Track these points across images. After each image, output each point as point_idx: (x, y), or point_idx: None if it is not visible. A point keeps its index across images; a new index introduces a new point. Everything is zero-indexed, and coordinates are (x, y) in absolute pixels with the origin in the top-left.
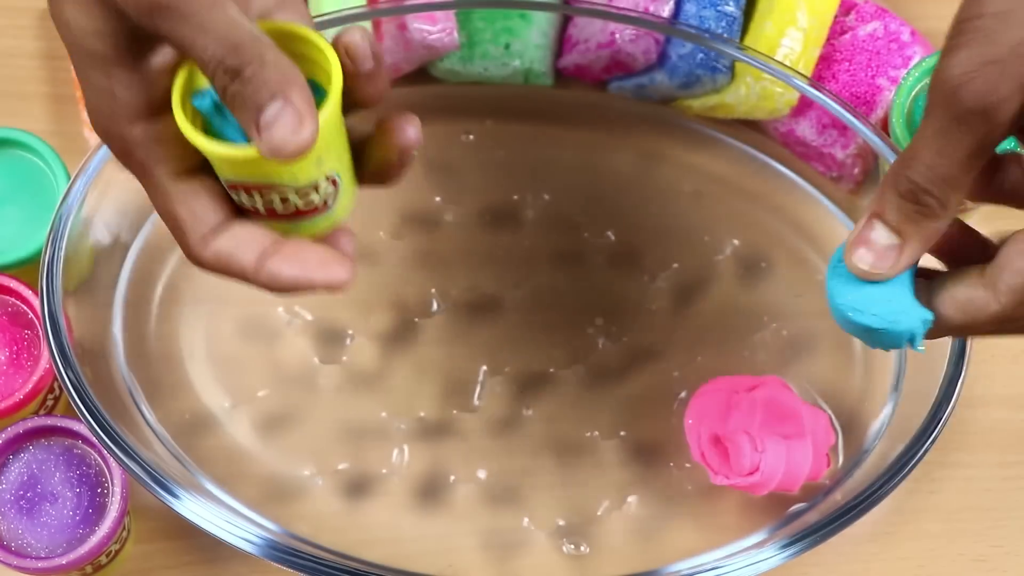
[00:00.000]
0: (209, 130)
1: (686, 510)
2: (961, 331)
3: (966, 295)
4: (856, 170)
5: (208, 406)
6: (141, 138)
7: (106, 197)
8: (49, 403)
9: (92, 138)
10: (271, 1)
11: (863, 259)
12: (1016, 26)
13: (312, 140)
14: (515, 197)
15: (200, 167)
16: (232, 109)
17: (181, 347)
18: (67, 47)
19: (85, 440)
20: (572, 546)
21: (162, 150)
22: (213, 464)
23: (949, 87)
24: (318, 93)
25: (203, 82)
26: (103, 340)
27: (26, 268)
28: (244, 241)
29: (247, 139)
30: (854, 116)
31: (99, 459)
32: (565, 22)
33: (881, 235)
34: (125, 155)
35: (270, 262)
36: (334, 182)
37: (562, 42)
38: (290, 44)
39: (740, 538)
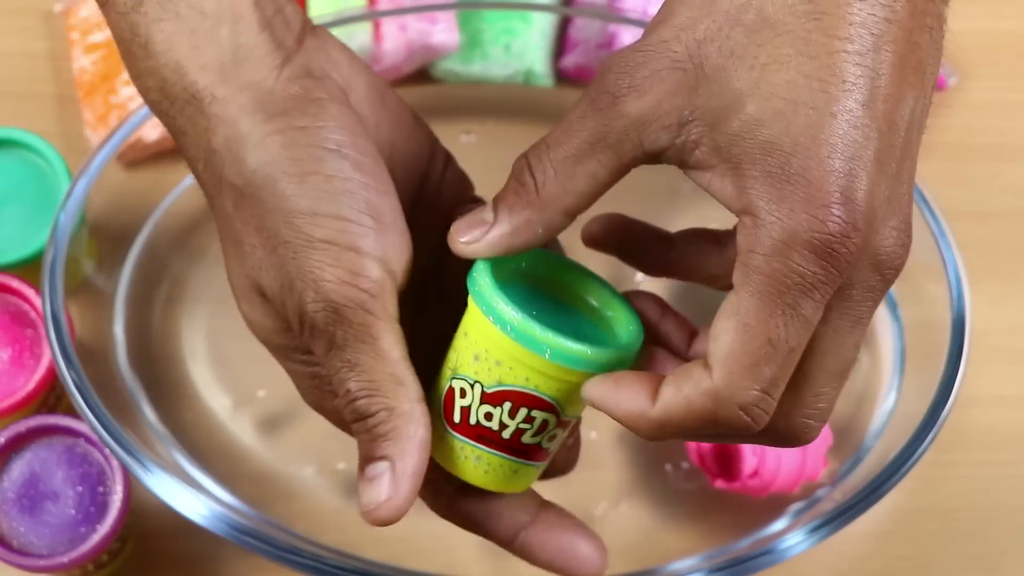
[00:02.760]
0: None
1: (684, 510)
2: (668, 423)
3: (685, 381)
4: None
5: (209, 405)
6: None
7: (108, 197)
8: (51, 402)
9: (94, 138)
10: (368, 105)
11: (459, 229)
12: (667, 26)
13: (397, 517)
14: None
15: None
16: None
17: (182, 346)
18: (256, 337)
19: (87, 439)
20: None
21: None
22: (214, 463)
23: (597, 72)
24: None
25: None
26: (105, 339)
27: (28, 267)
28: (502, 508)
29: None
30: None
31: (101, 458)
32: (565, 23)
33: (485, 212)
34: (343, 424)
35: (526, 533)
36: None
37: (562, 42)
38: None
39: (739, 538)
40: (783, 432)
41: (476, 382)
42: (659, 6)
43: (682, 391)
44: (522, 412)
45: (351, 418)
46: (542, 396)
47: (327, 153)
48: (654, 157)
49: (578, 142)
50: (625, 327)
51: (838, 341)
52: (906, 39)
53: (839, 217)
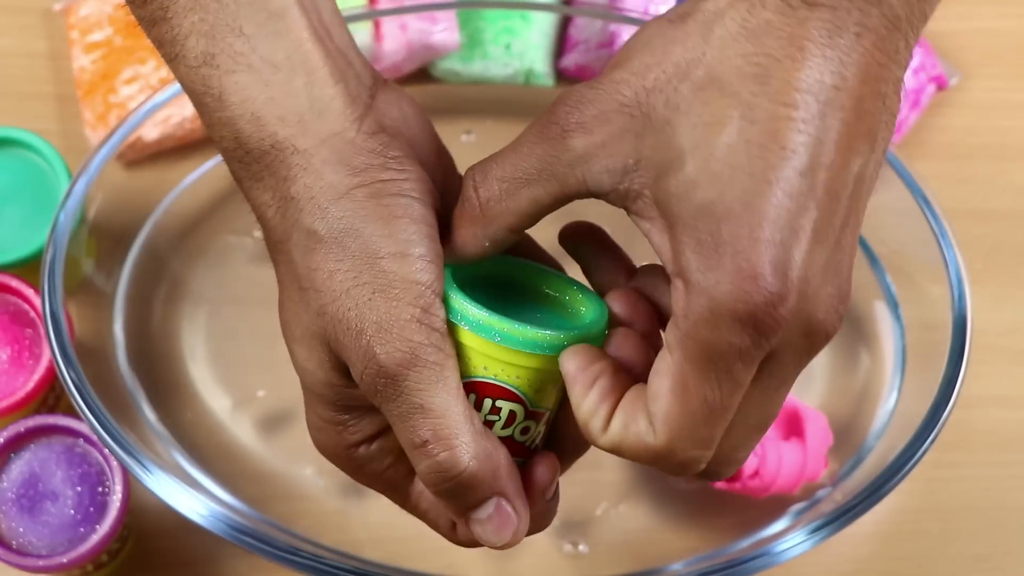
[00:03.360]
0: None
1: (684, 510)
2: (615, 451)
3: (633, 424)
4: None
5: (209, 405)
6: (365, 457)
7: (107, 197)
8: (50, 402)
9: (93, 137)
10: (429, 160)
11: None
12: (623, 68)
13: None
14: None
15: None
16: (435, 492)
17: (182, 346)
18: (301, 379)
19: (86, 439)
20: (571, 546)
21: (389, 458)
22: (214, 463)
23: (553, 102)
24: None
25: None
26: (104, 339)
27: (28, 267)
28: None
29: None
30: None
31: (100, 458)
32: (565, 22)
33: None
34: (354, 471)
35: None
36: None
37: (562, 42)
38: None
39: (739, 538)
40: (707, 472)
41: None
42: (660, 5)
43: (628, 433)
44: (487, 403)
45: (436, 471)
46: (503, 385)
47: (412, 201)
48: (598, 195)
49: (525, 166)
50: (589, 312)
51: (764, 399)
52: (855, 107)
53: (766, 289)
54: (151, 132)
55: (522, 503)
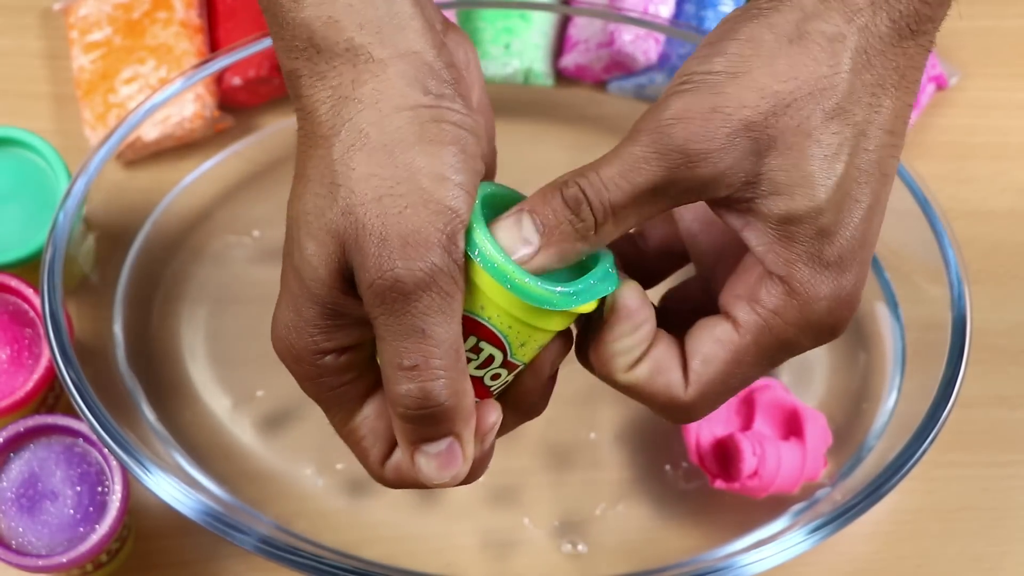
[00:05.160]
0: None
1: (684, 510)
2: (628, 391)
3: (662, 376)
4: None
5: (208, 405)
6: (329, 367)
7: (107, 196)
8: (50, 402)
9: (93, 137)
10: (479, 109)
11: (503, 241)
12: (748, 88)
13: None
14: None
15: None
16: (400, 415)
17: (182, 346)
18: (295, 274)
19: (86, 438)
20: (570, 546)
21: (351, 375)
22: (213, 463)
23: (664, 120)
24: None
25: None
26: (104, 339)
27: (27, 267)
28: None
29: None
30: None
31: (100, 457)
32: (565, 22)
33: (527, 230)
34: (310, 378)
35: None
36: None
37: (562, 42)
38: None
39: (737, 538)
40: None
41: None
42: (659, 5)
43: (655, 381)
44: (471, 340)
45: (415, 396)
46: (493, 329)
47: (468, 135)
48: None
49: (642, 188)
50: (598, 269)
51: (769, 369)
52: (905, 114)
53: (848, 317)
54: (150, 132)
55: (471, 449)
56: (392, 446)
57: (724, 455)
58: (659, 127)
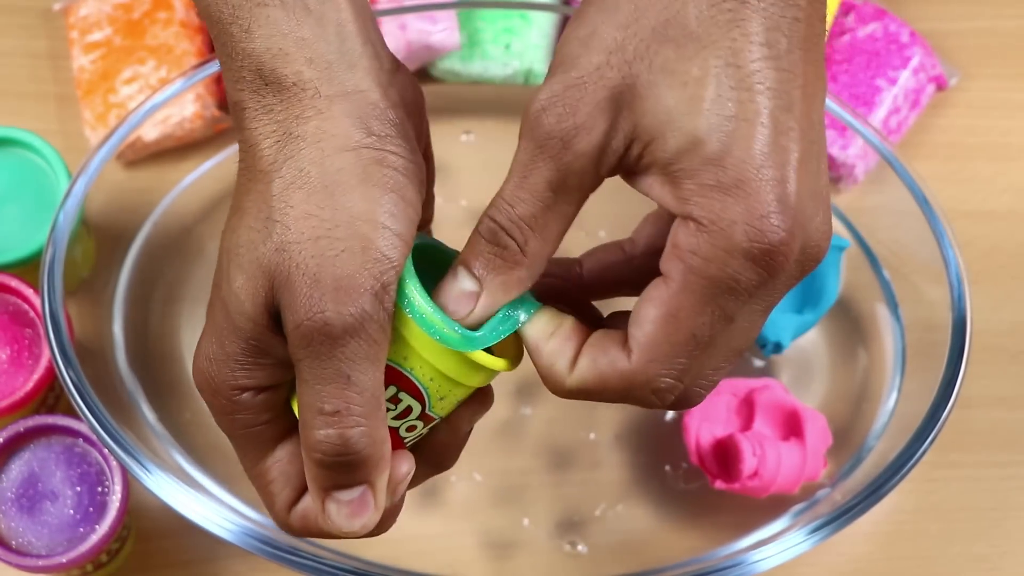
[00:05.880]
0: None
1: (684, 510)
2: (581, 392)
3: (603, 356)
4: (856, 170)
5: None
6: (246, 404)
7: (107, 196)
8: (50, 402)
9: (93, 137)
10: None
11: (447, 301)
12: (596, 50)
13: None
14: None
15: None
16: (315, 460)
17: (181, 346)
18: (221, 306)
19: (86, 439)
20: (570, 546)
21: (267, 415)
22: (213, 463)
23: (532, 114)
24: None
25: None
26: (104, 339)
27: (27, 267)
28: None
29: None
30: (854, 117)
31: (100, 457)
32: (565, 22)
33: (464, 281)
34: (226, 413)
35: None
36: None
37: None
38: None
39: (737, 538)
40: (677, 400)
41: None
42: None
43: (598, 365)
44: (390, 390)
45: (333, 442)
46: (414, 380)
47: (408, 182)
48: (609, 175)
49: (541, 190)
50: (522, 309)
51: (749, 324)
52: (808, 33)
53: (779, 228)
54: (150, 132)
55: (383, 498)
56: (301, 492)
57: (724, 455)
58: (530, 123)
